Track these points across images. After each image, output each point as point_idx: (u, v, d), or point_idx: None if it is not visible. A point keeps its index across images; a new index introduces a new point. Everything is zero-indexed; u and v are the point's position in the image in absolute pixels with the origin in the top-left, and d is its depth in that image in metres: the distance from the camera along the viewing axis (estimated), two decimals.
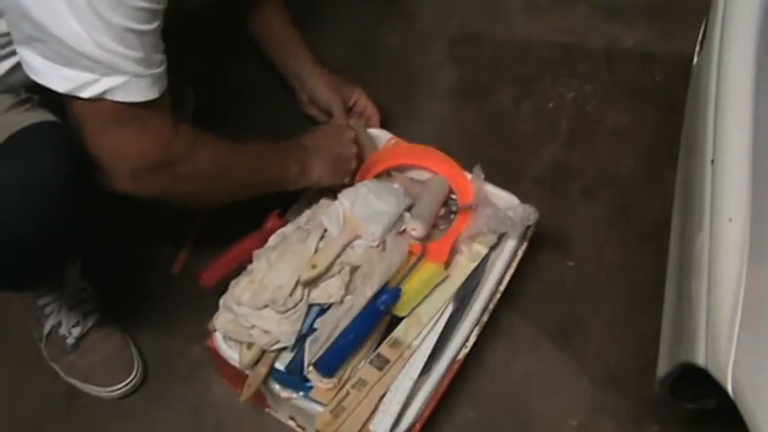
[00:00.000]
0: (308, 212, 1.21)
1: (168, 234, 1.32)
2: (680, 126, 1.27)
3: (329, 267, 1.10)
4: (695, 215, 0.98)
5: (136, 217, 1.17)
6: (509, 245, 1.20)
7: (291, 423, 1.16)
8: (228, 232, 1.17)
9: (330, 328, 1.08)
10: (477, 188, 1.22)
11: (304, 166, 1.16)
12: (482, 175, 1.23)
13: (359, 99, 1.36)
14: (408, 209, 1.20)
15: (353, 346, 1.07)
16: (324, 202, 1.21)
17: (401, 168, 1.30)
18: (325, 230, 1.15)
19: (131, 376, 1.19)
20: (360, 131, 1.30)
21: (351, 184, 1.23)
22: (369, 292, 1.10)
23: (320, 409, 1.05)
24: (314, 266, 1.09)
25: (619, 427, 1.19)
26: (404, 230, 1.19)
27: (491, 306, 1.19)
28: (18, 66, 0.90)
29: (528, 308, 1.29)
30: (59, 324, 1.18)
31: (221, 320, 1.09)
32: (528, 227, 1.22)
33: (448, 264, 1.19)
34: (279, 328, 1.06)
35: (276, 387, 1.08)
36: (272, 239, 1.17)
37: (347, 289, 1.10)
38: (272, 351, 1.07)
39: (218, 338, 1.10)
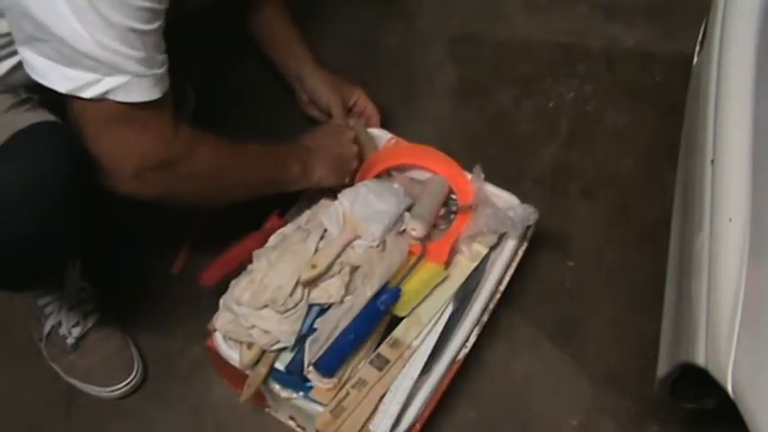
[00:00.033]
0: (307, 212, 1.21)
1: (168, 234, 1.31)
2: (680, 126, 1.27)
3: (329, 267, 1.10)
4: (695, 215, 0.99)
5: (136, 217, 1.17)
6: (509, 245, 1.20)
7: (291, 423, 1.16)
8: (228, 232, 1.17)
9: (330, 328, 1.08)
10: (478, 188, 1.22)
11: (305, 166, 1.16)
12: (482, 175, 1.23)
13: (359, 99, 1.36)
14: (408, 209, 1.20)
15: (353, 346, 1.07)
16: (324, 202, 1.21)
17: (401, 168, 1.30)
18: (326, 230, 1.15)
19: (131, 376, 1.19)
20: (360, 131, 1.30)
21: (351, 184, 1.23)
22: (369, 292, 1.10)
23: (320, 409, 1.05)
24: (314, 266, 1.09)
25: (619, 427, 1.19)
26: (404, 230, 1.19)
27: (491, 306, 1.19)
28: (18, 66, 0.90)
29: (528, 308, 1.29)
30: (59, 324, 1.18)
31: (221, 320, 1.09)
32: (528, 227, 1.22)
33: (448, 264, 1.19)
34: (279, 329, 1.06)
35: (276, 387, 1.08)
36: (272, 239, 1.17)
37: (347, 289, 1.10)
38: (272, 351, 1.07)
39: (218, 338, 1.10)
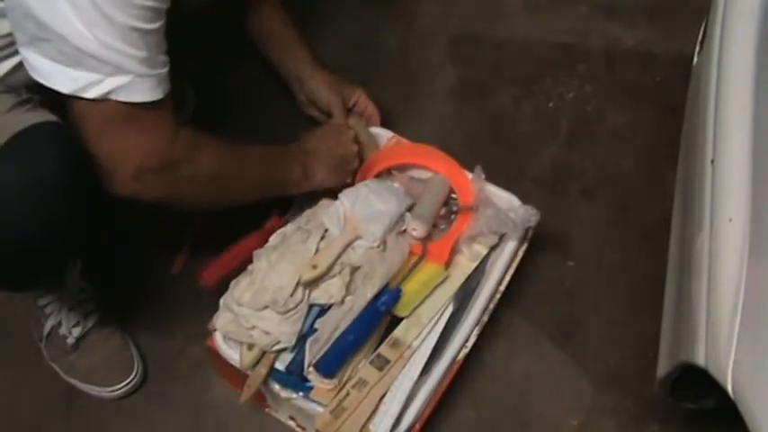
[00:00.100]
0: (308, 212, 1.21)
1: (168, 234, 1.31)
2: (680, 126, 1.27)
3: (330, 268, 1.10)
4: (695, 215, 0.99)
5: (136, 217, 1.17)
6: (509, 245, 1.20)
7: (291, 423, 1.16)
8: (228, 232, 1.17)
9: (330, 328, 1.08)
10: (478, 188, 1.22)
11: (306, 169, 1.16)
12: (483, 176, 1.23)
13: (359, 99, 1.36)
14: (409, 209, 1.20)
15: (354, 346, 1.07)
16: (324, 202, 1.21)
17: (402, 167, 1.30)
18: (326, 231, 1.15)
19: (131, 376, 1.19)
20: (360, 130, 1.30)
21: (352, 184, 1.23)
22: (369, 292, 1.10)
23: (320, 409, 1.05)
24: (315, 267, 1.09)
25: (619, 427, 1.19)
26: (405, 230, 1.19)
27: (491, 306, 1.19)
28: (19, 66, 0.91)
29: (528, 308, 1.29)
30: (59, 324, 1.18)
31: (222, 321, 1.09)
32: (528, 228, 1.22)
33: (448, 264, 1.19)
34: (279, 329, 1.06)
35: (276, 387, 1.08)
36: (273, 239, 1.17)
37: (348, 289, 1.10)
38: (272, 352, 1.07)
39: (218, 338, 1.10)
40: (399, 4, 1.69)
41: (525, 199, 1.23)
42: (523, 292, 1.29)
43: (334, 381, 1.05)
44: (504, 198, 1.24)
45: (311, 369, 1.06)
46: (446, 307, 1.15)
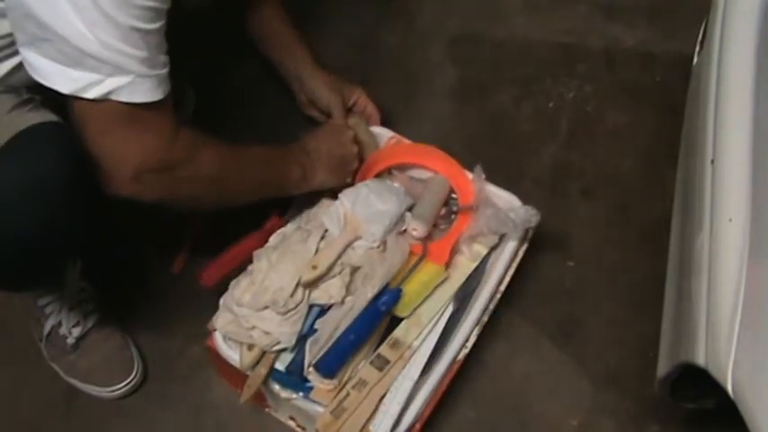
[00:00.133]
0: (308, 212, 1.21)
1: (168, 234, 1.31)
2: (680, 126, 1.27)
3: (330, 268, 1.10)
4: (695, 215, 0.99)
5: (136, 217, 1.16)
6: (509, 246, 1.20)
7: (291, 423, 1.16)
8: (228, 232, 1.17)
9: (331, 328, 1.08)
10: (479, 188, 1.22)
11: (306, 169, 1.15)
12: (483, 176, 1.23)
13: (359, 99, 1.36)
14: (409, 209, 1.20)
15: (354, 347, 1.07)
16: (324, 202, 1.21)
17: (402, 167, 1.30)
18: (326, 231, 1.15)
19: (131, 376, 1.19)
20: (360, 130, 1.30)
21: (352, 184, 1.23)
22: (370, 293, 1.10)
23: (320, 409, 1.05)
24: (315, 267, 1.09)
25: (619, 427, 1.19)
26: (405, 231, 1.19)
27: (491, 306, 1.19)
28: (20, 66, 0.90)
29: (528, 308, 1.29)
30: (59, 324, 1.18)
31: (222, 321, 1.09)
32: (528, 228, 1.21)
33: (448, 264, 1.19)
34: (279, 330, 1.06)
35: (276, 387, 1.08)
36: (273, 239, 1.17)
37: (348, 290, 1.10)
38: (272, 352, 1.07)
39: (218, 338, 1.10)
40: (399, 3, 1.69)
41: (525, 199, 1.23)
42: (523, 292, 1.29)
43: (335, 381, 1.05)
44: (504, 198, 1.24)
45: (311, 369, 1.06)
46: (446, 307, 1.15)
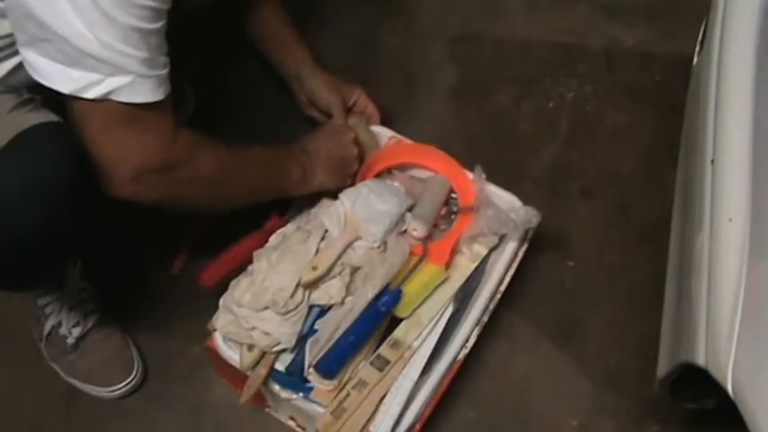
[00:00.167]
0: (308, 212, 1.21)
1: (168, 234, 1.31)
2: (680, 126, 1.27)
3: (330, 269, 1.10)
4: (695, 215, 0.99)
5: (136, 217, 1.16)
6: (509, 246, 1.20)
7: (291, 423, 1.16)
8: (228, 232, 1.17)
9: (331, 329, 1.08)
10: (479, 189, 1.22)
11: (305, 171, 1.15)
12: (483, 176, 1.23)
13: (359, 99, 1.35)
14: (410, 209, 1.20)
15: (354, 347, 1.07)
16: (325, 201, 1.21)
17: (402, 166, 1.30)
18: (326, 231, 1.15)
19: (131, 376, 1.19)
20: (360, 129, 1.30)
21: (352, 184, 1.23)
22: (370, 293, 1.10)
23: (320, 409, 1.05)
24: (315, 268, 1.08)
25: (619, 427, 1.19)
26: (405, 231, 1.19)
27: (491, 306, 1.19)
28: (20, 66, 0.90)
29: (528, 308, 1.29)
30: (59, 324, 1.18)
31: (221, 321, 1.09)
32: (529, 229, 1.21)
33: (448, 265, 1.19)
34: (279, 330, 1.06)
35: (276, 388, 1.08)
36: (273, 239, 1.17)
37: (348, 290, 1.10)
38: (272, 352, 1.07)
39: (218, 339, 1.10)
40: (399, 3, 1.69)
41: (525, 199, 1.23)
42: (523, 293, 1.29)
43: (335, 382, 1.05)
44: (504, 198, 1.24)
45: (311, 370, 1.06)
46: (446, 307, 1.15)
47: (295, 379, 1.07)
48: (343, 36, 1.60)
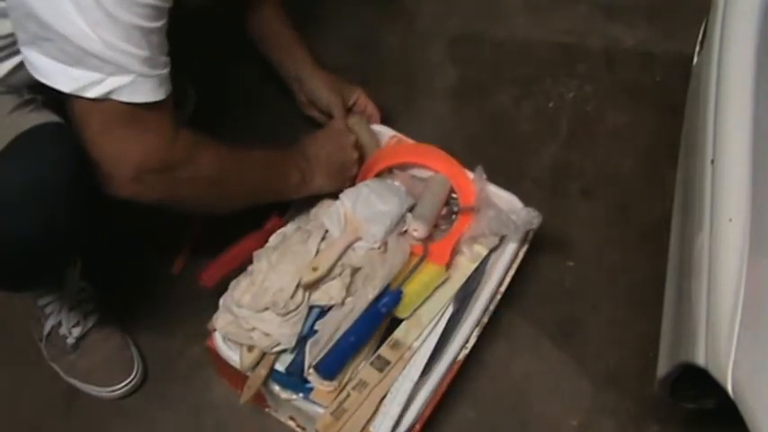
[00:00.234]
0: (308, 213, 1.21)
1: (168, 234, 1.31)
2: (680, 126, 1.27)
3: (330, 269, 1.10)
4: (695, 215, 0.99)
5: (136, 217, 1.16)
6: (510, 247, 1.20)
7: (291, 423, 1.16)
8: (228, 233, 1.17)
9: (331, 330, 1.07)
10: (480, 189, 1.22)
11: (305, 174, 1.15)
12: (484, 176, 1.23)
13: (359, 99, 1.35)
14: (410, 209, 1.20)
15: (354, 348, 1.07)
16: (325, 202, 1.21)
17: (403, 166, 1.30)
18: (327, 231, 1.15)
19: (131, 376, 1.19)
20: (361, 129, 1.30)
21: (352, 184, 1.23)
22: (370, 294, 1.10)
23: (320, 410, 1.05)
24: (315, 269, 1.08)
25: (619, 427, 1.19)
26: (405, 231, 1.19)
27: (491, 307, 1.19)
28: (20, 66, 0.90)
29: (528, 308, 1.29)
30: (59, 324, 1.18)
31: (221, 321, 1.09)
32: (529, 230, 1.21)
33: (449, 265, 1.19)
34: (279, 331, 1.06)
35: (276, 388, 1.08)
36: (273, 239, 1.16)
37: (348, 291, 1.10)
38: (272, 353, 1.07)
39: (218, 339, 1.10)
40: (399, 3, 1.69)
41: (525, 199, 1.23)
42: (524, 293, 1.29)
43: (335, 382, 1.05)
44: (505, 199, 1.24)
45: (311, 371, 1.06)
46: (446, 308, 1.15)
47: (295, 379, 1.06)
48: (343, 37, 1.60)
